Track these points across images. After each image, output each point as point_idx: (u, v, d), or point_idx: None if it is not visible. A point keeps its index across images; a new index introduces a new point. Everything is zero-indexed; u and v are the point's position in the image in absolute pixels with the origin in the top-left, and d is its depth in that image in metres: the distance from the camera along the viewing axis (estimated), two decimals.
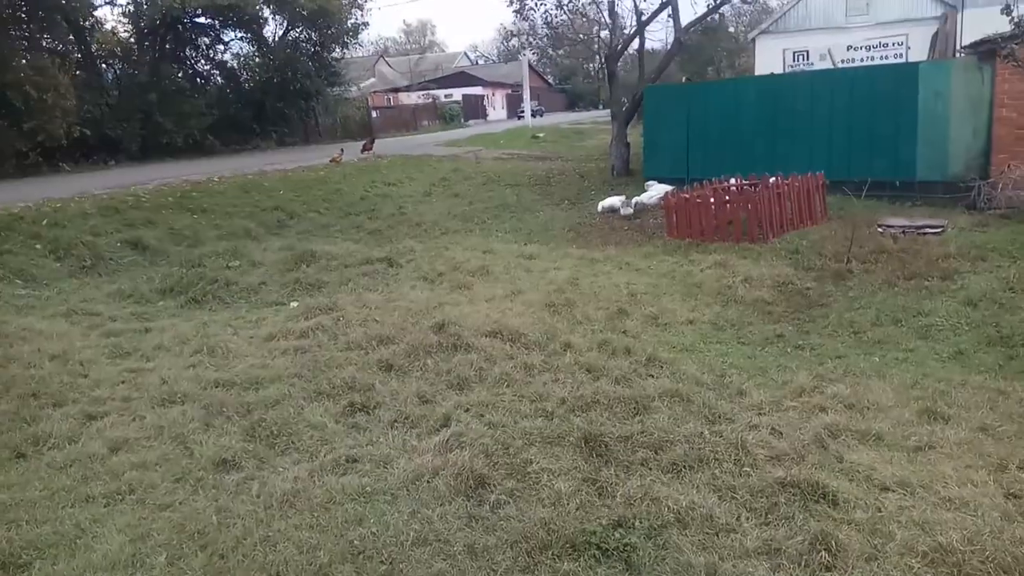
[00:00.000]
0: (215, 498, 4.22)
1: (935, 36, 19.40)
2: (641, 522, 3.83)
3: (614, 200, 13.49)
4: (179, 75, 26.90)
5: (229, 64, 29.75)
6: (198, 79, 28.73)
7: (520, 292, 8.50)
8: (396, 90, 54.80)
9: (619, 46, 19.54)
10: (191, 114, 24.53)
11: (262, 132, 28.56)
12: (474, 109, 53.27)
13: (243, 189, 15.05)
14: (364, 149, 22.46)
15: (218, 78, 29.82)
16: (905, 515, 3.79)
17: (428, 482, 4.37)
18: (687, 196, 11.16)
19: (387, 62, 62.73)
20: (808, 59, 21.62)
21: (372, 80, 54.13)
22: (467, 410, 5.38)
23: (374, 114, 38.24)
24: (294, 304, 8.52)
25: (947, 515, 3.77)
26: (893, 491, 4.04)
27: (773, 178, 11.14)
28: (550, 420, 5.14)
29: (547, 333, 6.93)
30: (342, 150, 20.92)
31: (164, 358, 6.68)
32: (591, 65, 73.63)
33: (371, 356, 6.50)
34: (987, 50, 11.38)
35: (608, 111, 20.58)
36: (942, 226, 10.02)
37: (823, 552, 3.48)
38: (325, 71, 30.22)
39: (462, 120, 47.61)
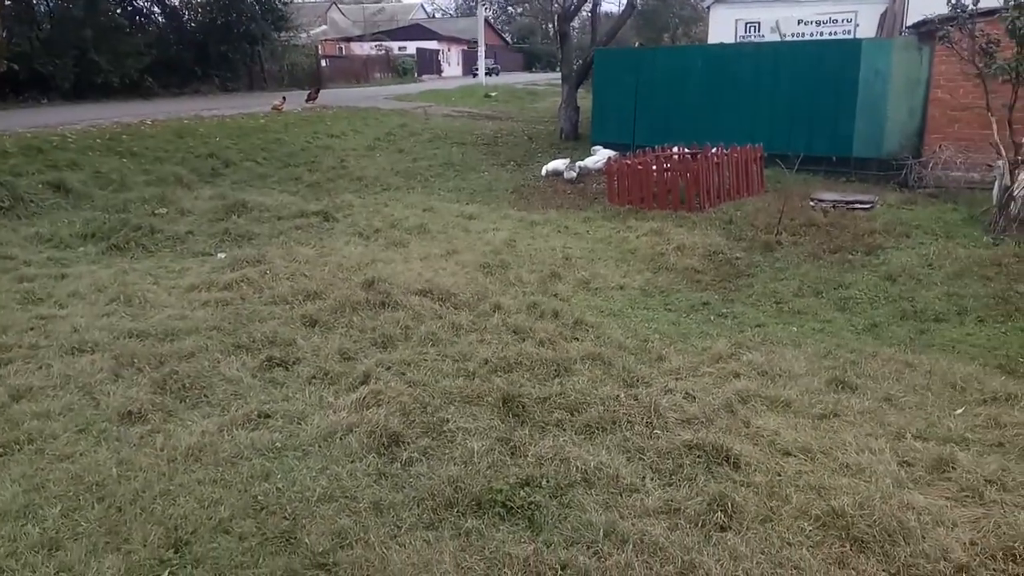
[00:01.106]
0: (117, 450, 4.10)
1: (884, 15, 19.67)
2: (548, 481, 3.88)
3: (559, 163, 13.44)
4: (117, 11, 25.51)
5: (170, 2, 28.40)
6: (137, 16, 27.35)
7: (456, 252, 8.44)
8: (348, 39, 53.33)
9: (572, 7, 19.28)
10: (129, 53, 23.40)
11: (204, 76, 27.46)
12: (428, 64, 52.24)
13: (177, 134, 14.47)
14: (308, 98, 21.84)
15: (159, 17, 28.46)
16: (803, 479, 3.92)
17: (341, 439, 4.34)
18: (628, 162, 11.19)
19: (340, 10, 60.83)
20: (759, 31, 21.71)
21: (323, 27, 52.48)
22: (388, 368, 5.35)
23: (324, 63, 37.16)
24: (221, 255, 8.30)
25: (843, 480, 3.91)
26: (794, 456, 4.17)
27: (714, 148, 11.23)
28: (471, 380, 5.14)
29: (478, 294, 6.92)
30: (284, 98, 20.27)
31: (78, 306, 6.44)
32: (549, 25, 72.79)
33: (296, 311, 6.39)
34: (926, 31, 11.60)
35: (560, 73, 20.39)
36: (872, 202, 10.28)
37: (720, 513, 3.58)
38: (273, 15, 29.13)
39: (415, 74, 46.68)
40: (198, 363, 5.27)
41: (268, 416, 4.62)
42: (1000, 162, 8.83)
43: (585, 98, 19.38)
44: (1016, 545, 3.29)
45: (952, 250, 8.12)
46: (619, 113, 15.10)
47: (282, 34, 30.91)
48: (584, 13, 20.88)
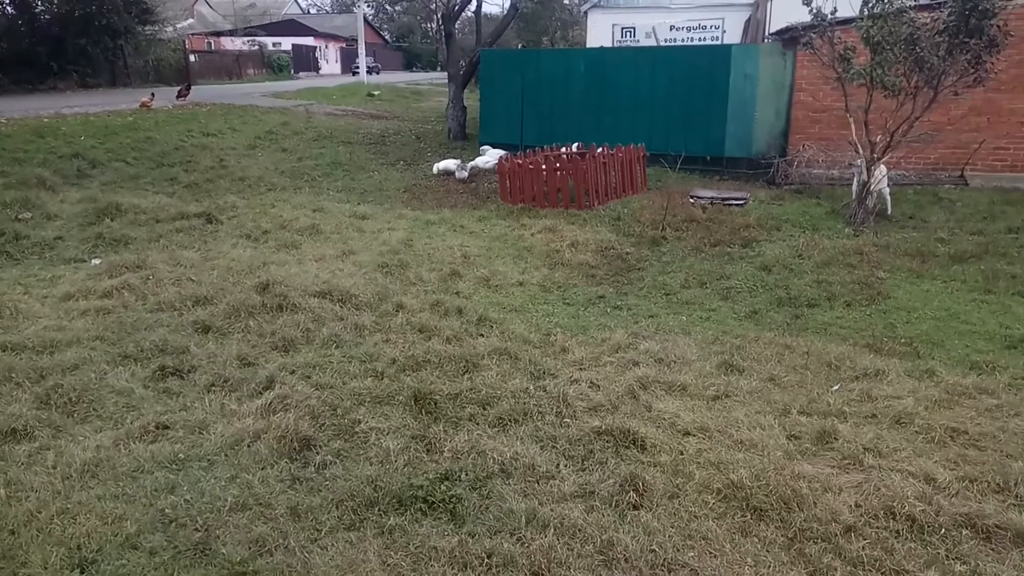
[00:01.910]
0: (4, 470, 3.81)
1: (748, 21, 20.95)
2: (467, 474, 3.93)
3: (450, 163, 13.47)
4: None
5: None
6: None
7: (352, 252, 8.32)
8: (218, 34, 50.96)
9: (456, 6, 19.35)
10: None
11: (61, 71, 25.42)
12: (305, 61, 50.77)
13: (36, 133, 13.37)
14: (179, 95, 20.73)
15: (7, 7, 26.14)
16: (703, 456, 4.18)
17: (248, 446, 4.22)
18: (520, 162, 11.38)
19: (208, 3, 57.98)
20: (635, 35, 22.58)
21: (190, 21, 49.87)
22: (292, 372, 5.23)
23: (192, 58, 35.35)
24: (96, 261, 7.81)
25: (739, 455, 4.19)
26: (694, 435, 4.43)
27: (599, 149, 11.62)
28: (380, 380, 5.12)
29: (379, 294, 6.86)
30: (153, 95, 19.15)
31: None
32: (429, 25, 72.52)
33: (185, 317, 6.13)
34: (790, 37, 12.47)
35: (446, 73, 20.40)
36: (745, 199, 10.97)
37: (631, 492, 3.76)
38: (136, 7, 27.37)
39: (291, 71, 45.24)
40: (83, 375, 4.96)
41: (167, 427, 4.42)
42: (858, 160, 9.66)
43: (471, 98, 19.49)
44: (895, 504, 3.66)
45: (819, 241, 8.80)
46: (506, 113, 15.31)
47: (146, 28, 29.10)
48: (468, 13, 20.98)
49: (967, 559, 3.34)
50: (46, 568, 3.12)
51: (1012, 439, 4.43)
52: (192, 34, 46.00)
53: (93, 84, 26.47)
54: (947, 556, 3.36)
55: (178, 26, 39.77)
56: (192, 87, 22.05)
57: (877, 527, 3.55)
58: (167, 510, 3.56)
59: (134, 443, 4.16)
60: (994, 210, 9.72)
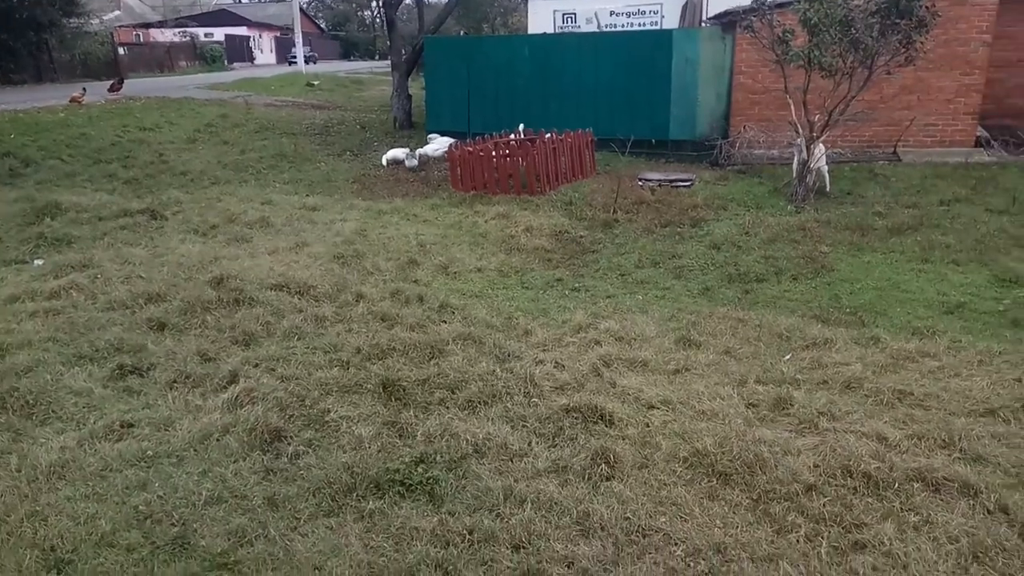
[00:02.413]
0: None
1: (685, 6, 21.27)
2: (442, 456, 3.99)
3: (398, 152, 13.39)
4: None
5: None
6: None
7: (306, 244, 8.24)
8: (147, 26, 49.27)
9: None
10: None
11: None
12: (239, 51, 49.54)
13: None
14: (112, 89, 20.10)
15: None
16: (668, 428, 4.33)
17: (218, 440, 4.19)
18: (470, 149, 11.40)
19: None
20: (576, 21, 22.69)
21: (117, 13, 48.08)
22: (256, 365, 5.20)
23: (121, 51, 34.14)
24: (39, 262, 7.56)
25: (702, 425, 4.35)
26: (658, 408, 4.58)
27: (549, 134, 11.72)
28: (346, 369, 5.12)
29: (337, 285, 6.83)
30: (84, 89, 18.49)
31: None
32: (366, 13, 71.47)
33: (139, 315, 6.01)
34: (729, 21, 12.74)
35: (387, 61, 20.19)
36: (691, 180, 11.22)
37: (603, 465, 3.88)
38: (60, 0, 26.31)
39: (225, 62, 44.07)
40: (38, 377, 4.83)
41: (132, 425, 4.35)
42: (798, 139, 9.97)
43: (416, 86, 19.36)
44: (851, 463, 3.85)
45: (763, 219, 9.09)
46: (453, 101, 15.27)
47: (72, 20, 27.99)
48: (408, 1, 20.77)
49: (919, 510, 3.55)
50: (21, 571, 3.07)
51: (954, 398, 4.70)
52: (120, 26, 44.40)
53: (17, 80, 25.40)
54: (901, 508, 3.57)
55: (105, 18, 38.35)
56: (124, 81, 21.33)
57: (836, 485, 3.74)
58: (141, 507, 3.53)
59: (99, 443, 4.09)
60: (926, 184, 10.16)
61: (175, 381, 4.98)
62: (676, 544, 3.35)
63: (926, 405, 4.63)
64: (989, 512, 3.53)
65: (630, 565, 3.21)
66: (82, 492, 3.63)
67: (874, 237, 8.23)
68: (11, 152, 11.98)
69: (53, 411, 4.48)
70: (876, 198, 9.69)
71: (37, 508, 3.47)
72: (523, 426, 4.37)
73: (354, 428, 4.32)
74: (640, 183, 11.17)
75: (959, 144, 11.98)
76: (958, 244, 7.76)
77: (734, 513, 3.58)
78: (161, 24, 49.10)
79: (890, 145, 12.16)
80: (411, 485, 3.73)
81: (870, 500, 3.63)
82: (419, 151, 13.21)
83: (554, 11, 23.14)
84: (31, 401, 4.51)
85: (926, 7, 8.69)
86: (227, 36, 49.27)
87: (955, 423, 4.31)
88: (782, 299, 6.83)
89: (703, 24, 16.33)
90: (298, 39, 37.89)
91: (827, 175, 10.27)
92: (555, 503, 3.59)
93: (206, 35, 48.17)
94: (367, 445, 4.13)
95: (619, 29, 21.23)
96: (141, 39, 45.36)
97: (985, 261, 7.33)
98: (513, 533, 3.37)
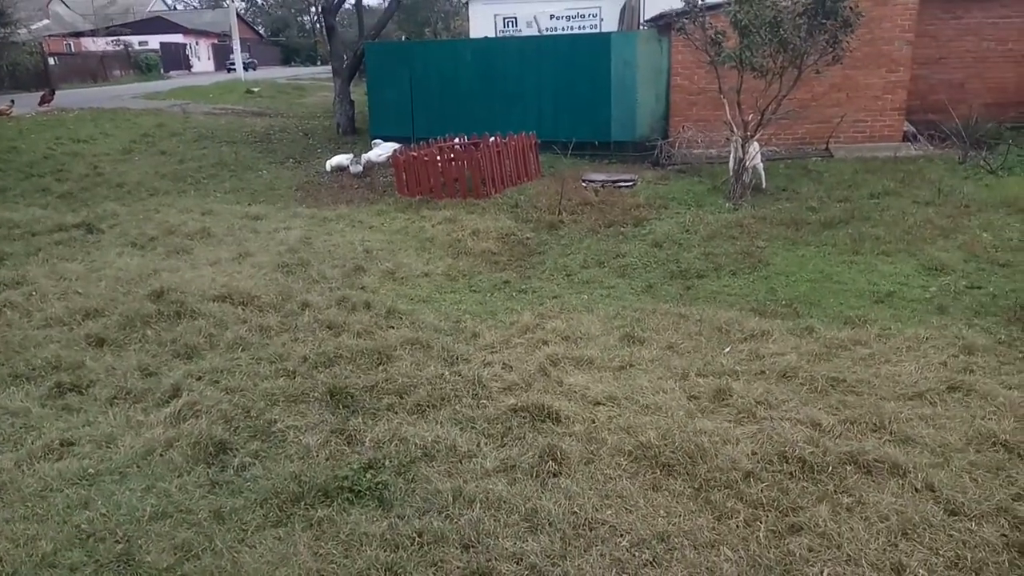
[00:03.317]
0: None
1: (623, 9, 21.62)
2: (391, 461, 4.02)
3: (342, 158, 13.29)
4: None
5: None
6: None
7: (249, 254, 8.14)
8: (78, 34, 47.75)
9: None
10: None
11: None
12: (175, 59, 48.41)
13: None
14: (43, 100, 19.48)
15: None
16: (614, 423, 4.42)
17: (161, 455, 4.14)
18: (415, 154, 11.39)
19: (64, 2, 54.13)
20: (516, 25, 22.85)
21: (46, 22, 46.46)
22: (199, 378, 5.14)
23: (52, 61, 33.04)
24: None
25: (646, 419, 4.46)
26: (604, 404, 4.68)
27: (493, 137, 11.78)
28: (293, 379, 5.10)
29: (282, 294, 6.78)
30: (12, 101, 17.89)
31: None
32: (305, 18, 70.48)
33: (77, 331, 5.89)
34: (664, 24, 13.02)
35: (329, 67, 20.00)
36: (634, 180, 11.42)
37: (550, 462, 3.96)
38: None
39: (161, 71, 43.03)
40: None
41: (72, 444, 4.27)
42: (733, 138, 10.26)
43: (356, 92, 19.20)
44: (787, 449, 4.01)
45: (703, 217, 9.31)
46: (396, 106, 15.22)
47: None
48: (348, 6, 20.61)
49: (852, 491, 3.72)
50: None
51: (884, 383, 4.92)
52: (49, 35, 42.93)
53: None
54: (835, 491, 3.73)
55: (32, 27, 36.97)
56: (55, 92, 20.67)
57: (773, 471, 3.88)
58: (83, 525, 3.47)
59: (38, 463, 4.00)
60: (857, 178, 10.54)
61: (116, 397, 4.90)
62: (621, 535, 3.44)
63: (858, 391, 4.83)
64: (917, 491, 3.71)
65: (577, 558, 3.29)
66: (20, 513, 3.55)
67: (808, 231, 8.51)
68: None
69: None
70: (810, 193, 10.01)
71: None
72: (472, 428, 4.42)
73: (301, 437, 4.31)
74: (584, 184, 11.32)
75: (888, 139, 12.48)
76: (887, 235, 8.09)
77: (677, 502, 3.69)
78: (93, 33, 47.57)
79: (822, 142, 12.59)
80: (360, 491, 3.75)
81: (805, 484, 3.78)
82: (363, 157, 13.14)
83: (495, 15, 23.26)
84: None
85: (850, 7, 9.03)
86: (163, 44, 48.09)
87: (885, 407, 4.51)
88: (722, 294, 7.02)
89: (641, 27, 16.62)
90: (236, 45, 37.23)
91: (763, 172, 10.58)
92: (504, 501, 3.65)
93: (140, 43, 46.89)
94: (315, 453, 4.13)
95: (559, 32, 21.46)
96: (72, 49, 43.97)
97: (913, 251, 7.66)
98: (462, 533, 3.41)
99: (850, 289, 6.83)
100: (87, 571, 3.18)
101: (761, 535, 3.42)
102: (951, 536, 3.35)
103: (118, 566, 3.22)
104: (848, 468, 3.88)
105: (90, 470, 3.95)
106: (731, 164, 10.46)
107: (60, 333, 5.87)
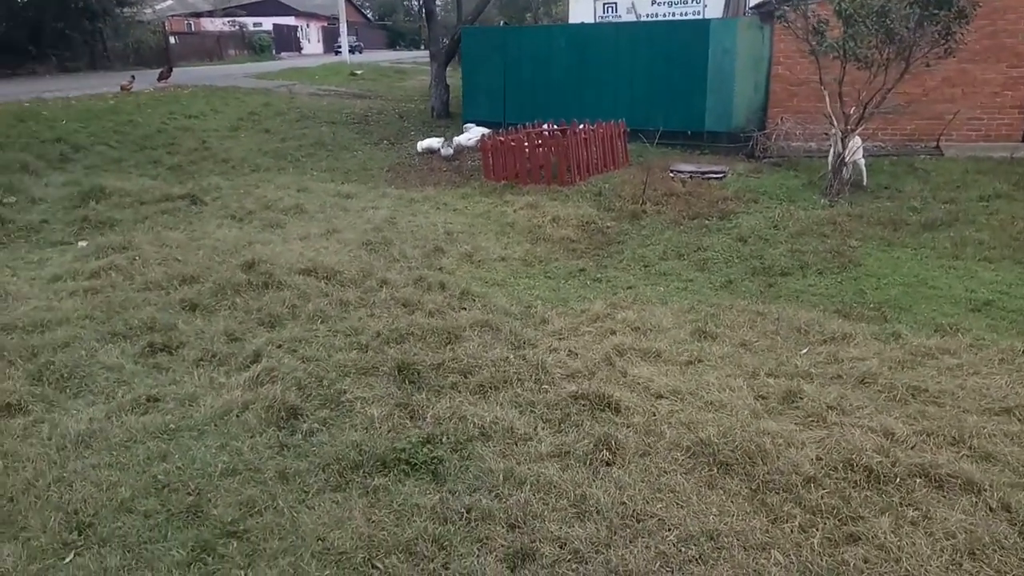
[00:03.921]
0: (0, 443, 3.95)
1: None
2: (448, 438, 4.11)
3: (433, 141, 13.55)
4: None
5: None
6: None
7: (336, 231, 8.43)
8: (198, 15, 50.38)
9: None
10: None
11: (39, 55, 25.24)
12: (287, 41, 50.32)
13: (17, 118, 13.35)
14: (161, 77, 20.68)
15: None
16: (674, 417, 4.37)
17: (237, 416, 4.37)
18: (503, 139, 11.48)
19: None
20: (616, 11, 22.52)
21: (169, 2, 49.27)
22: (279, 346, 5.37)
23: (172, 40, 35.02)
24: (82, 243, 7.89)
25: (708, 415, 4.38)
26: (666, 398, 4.62)
27: (581, 125, 11.73)
28: (364, 352, 5.27)
29: (363, 270, 6.99)
30: (133, 77, 19.08)
31: None
32: (412, 2, 71.84)
33: (173, 296, 6.26)
34: (767, 11, 12.57)
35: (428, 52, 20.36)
36: (724, 172, 11.13)
37: (605, 451, 3.95)
38: None
39: (273, 52, 44.85)
40: (74, 353, 5.09)
41: (157, 400, 4.57)
42: (833, 131, 9.82)
43: (454, 76, 19.49)
44: (853, 457, 3.85)
45: (794, 212, 8.99)
46: (489, 91, 15.35)
47: (125, 9, 28.89)
48: None
49: (919, 505, 3.54)
50: (45, 531, 3.27)
51: (969, 395, 4.64)
52: (172, 15, 45.50)
53: (73, 68, 26.29)
54: (900, 503, 3.57)
55: (157, 7, 39.34)
56: (173, 69, 21.93)
57: (836, 478, 3.74)
58: (160, 476, 3.72)
59: (126, 415, 4.31)
60: (967, 179, 9.91)
61: (202, 359, 5.20)
62: (669, 530, 3.41)
63: (940, 402, 4.58)
64: (991, 510, 3.50)
65: (621, 548, 3.28)
66: (106, 461, 3.84)
67: (906, 232, 8.08)
68: (62, 138, 12.45)
69: (85, 384, 4.72)
70: (913, 193, 9.49)
71: (64, 474, 3.69)
72: (531, 411, 4.46)
73: (367, 408, 4.46)
74: (671, 175, 11.12)
75: (1005, 138, 11.65)
76: (992, 241, 7.58)
77: (731, 502, 3.62)
78: (211, 13, 50.14)
79: (932, 139, 11.88)
80: (416, 464, 3.86)
81: (869, 494, 3.63)
82: (454, 140, 13.34)
83: (594, 1, 22.99)
84: (65, 375, 4.76)
85: None
86: (275, 26, 50.07)
87: (967, 420, 4.26)
88: (805, 293, 6.78)
89: (746, 14, 16.09)
90: (343, 28, 38.33)
91: (864, 168, 10.10)
92: (554, 486, 3.68)
93: (255, 25, 49.03)
94: (378, 425, 4.26)
95: (659, 19, 21.01)
96: (192, 28, 46.43)
97: (1019, 258, 7.16)
98: (510, 513, 3.47)
99: (945, 295, 6.46)
100: (159, 519, 3.41)
101: (815, 542, 3.31)
102: (1023, 560, 3.15)
103: (187, 516, 3.45)
104: (917, 481, 3.70)
105: (171, 425, 4.23)
106: (830, 158, 10.03)
107: (157, 296, 6.26)
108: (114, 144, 13.02)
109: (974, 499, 3.57)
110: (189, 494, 3.61)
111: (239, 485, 3.71)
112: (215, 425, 4.28)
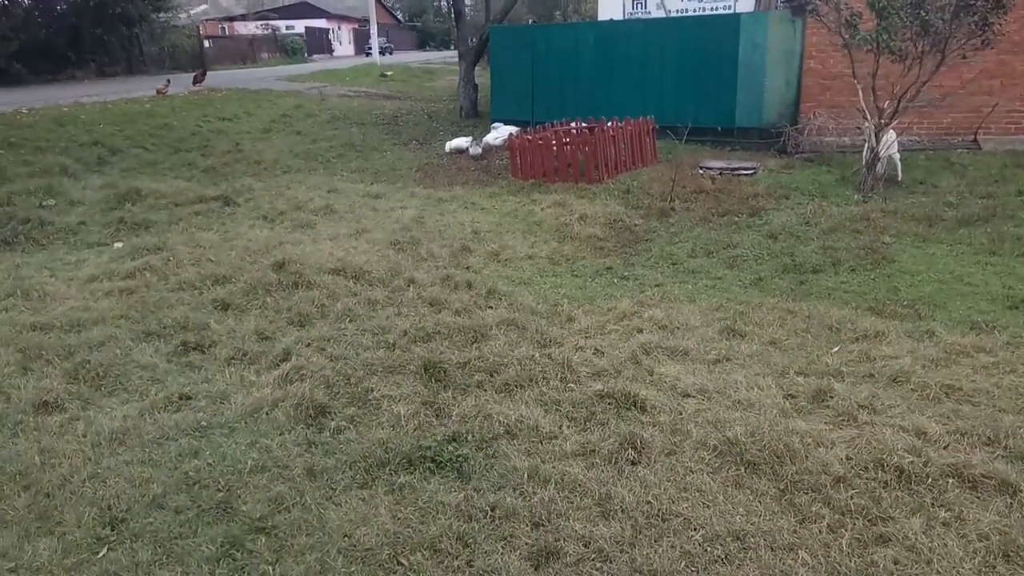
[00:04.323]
0: (37, 440, 4.06)
1: None
2: (473, 436, 4.12)
3: (461, 141, 13.60)
4: None
5: None
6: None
7: (365, 231, 8.51)
8: (231, 19, 51.21)
9: None
10: None
11: (78, 61, 25.87)
12: (318, 43, 50.89)
13: (57, 122, 13.70)
14: (195, 81, 21.05)
15: None
16: (701, 416, 4.33)
17: (267, 414, 4.43)
18: (530, 138, 11.47)
19: None
20: (646, 7, 22.36)
21: (204, 7, 50.14)
22: (308, 345, 5.44)
23: (207, 44, 35.64)
24: (118, 244, 8.07)
25: (736, 415, 4.34)
26: (693, 397, 4.59)
27: (609, 122, 11.67)
28: (392, 351, 5.31)
29: (391, 270, 7.05)
30: (168, 81, 19.48)
31: None
32: (442, 2, 72.13)
33: (205, 295, 6.36)
34: (798, 5, 12.36)
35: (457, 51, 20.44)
36: (754, 168, 10.99)
37: (630, 450, 3.93)
38: None
39: (305, 54, 45.39)
40: (109, 352, 5.20)
41: (190, 398, 4.65)
42: (866, 125, 9.64)
43: (483, 76, 19.53)
44: (884, 457, 3.78)
45: (826, 208, 8.85)
46: (517, 90, 15.36)
47: (161, 14, 29.47)
48: None
49: (952, 506, 3.47)
50: (80, 526, 3.36)
51: (1005, 394, 4.53)
52: (206, 20, 46.28)
53: (110, 72, 26.88)
54: (932, 504, 3.50)
55: (192, 12, 40.05)
56: (207, 73, 22.33)
57: (866, 478, 3.68)
58: (191, 473, 3.79)
59: (159, 413, 4.40)
60: (1005, 173, 9.67)
61: (233, 358, 5.28)
62: (695, 529, 3.38)
63: (975, 401, 4.48)
64: None
65: (646, 547, 3.27)
66: (139, 457, 3.92)
67: (942, 228, 7.91)
68: (99, 141, 12.76)
69: (120, 383, 4.83)
70: (949, 188, 9.29)
71: (98, 470, 3.78)
72: (556, 410, 4.46)
73: (394, 407, 4.49)
74: (701, 171, 11.02)
75: None
76: None
77: (758, 502, 3.58)
78: (244, 17, 50.90)
79: (970, 132, 11.60)
80: (441, 462, 3.88)
81: (900, 494, 3.56)
82: (483, 139, 13.37)
83: None
84: (101, 373, 4.87)
85: None
86: (307, 28, 50.67)
87: (1003, 420, 4.16)
88: (837, 291, 6.67)
89: (777, 7, 15.86)
90: (373, 30, 38.67)
91: (899, 163, 9.91)
92: (578, 484, 3.67)
93: (287, 28, 49.66)
94: (404, 423, 4.29)
95: (690, 14, 20.82)
96: (226, 32, 47.19)
97: None
98: (534, 511, 3.47)
99: (981, 292, 6.31)
100: (190, 515, 3.48)
101: (844, 543, 3.26)
102: None
103: (217, 512, 3.51)
104: (950, 481, 3.62)
105: (203, 423, 4.30)
106: (864, 153, 9.85)
107: (191, 296, 6.38)
108: (150, 147, 13.30)
109: (1009, 500, 3.48)
110: (219, 490, 3.68)
111: (268, 482, 3.77)
112: (245, 422, 4.35)
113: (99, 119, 14.46)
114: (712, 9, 21.75)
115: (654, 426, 4.22)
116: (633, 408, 4.41)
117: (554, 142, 11.39)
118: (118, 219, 8.94)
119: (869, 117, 9.51)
